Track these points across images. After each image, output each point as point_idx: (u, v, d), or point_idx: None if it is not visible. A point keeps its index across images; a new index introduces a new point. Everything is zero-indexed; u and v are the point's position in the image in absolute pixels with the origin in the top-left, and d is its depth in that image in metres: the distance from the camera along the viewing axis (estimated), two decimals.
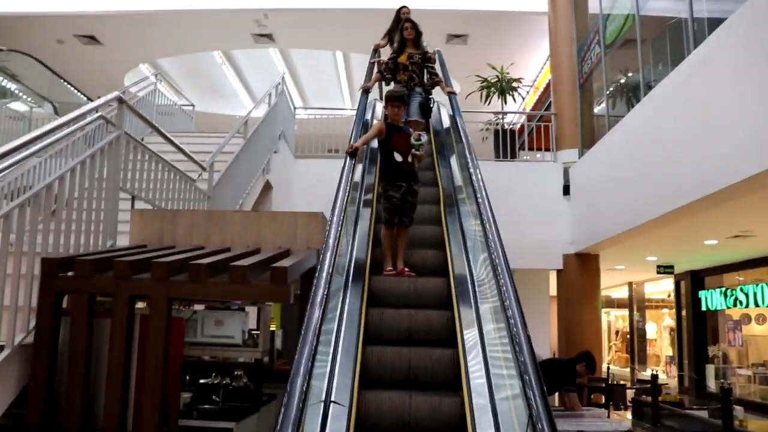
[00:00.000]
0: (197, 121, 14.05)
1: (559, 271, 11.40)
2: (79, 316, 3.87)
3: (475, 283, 4.64)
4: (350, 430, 3.33)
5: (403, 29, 7.45)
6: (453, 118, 7.33)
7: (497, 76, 12.72)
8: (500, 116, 12.44)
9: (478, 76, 12.72)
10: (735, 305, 11.71)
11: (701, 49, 6.72)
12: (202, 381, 5.97)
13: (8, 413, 3.64)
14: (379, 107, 8.60)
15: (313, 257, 4.77)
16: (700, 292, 13.06)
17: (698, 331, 13.10)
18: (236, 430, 5.17)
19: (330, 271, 3.80)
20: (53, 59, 12.61)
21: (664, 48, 8.97)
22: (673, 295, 14.60)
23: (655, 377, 7.63)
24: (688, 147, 6.94)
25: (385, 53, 8.32)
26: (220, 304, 5.62)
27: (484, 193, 5.03)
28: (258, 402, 5.98)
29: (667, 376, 14.42)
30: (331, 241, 4.05)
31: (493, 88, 12.69)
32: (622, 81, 10.82)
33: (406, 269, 5.25)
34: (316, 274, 3.73)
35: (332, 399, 3.39)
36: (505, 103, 12.73)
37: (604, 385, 9.22)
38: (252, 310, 6.42)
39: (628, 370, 16.33)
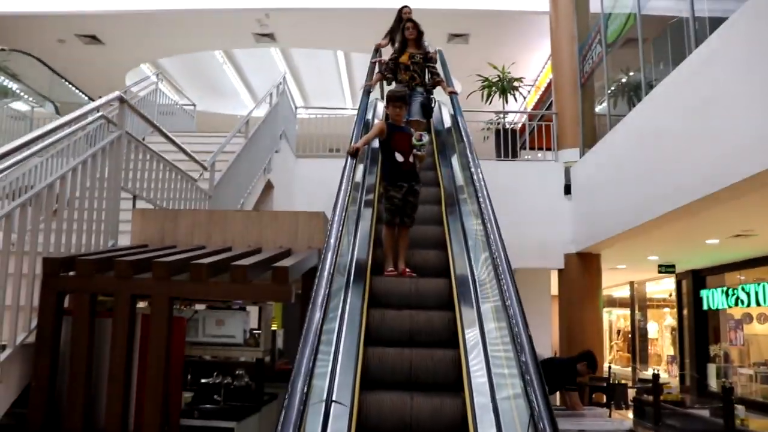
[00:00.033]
0: (198, 120, 14.05)
1: (560, 271, 11.41)
2: (80, 316, 3.87)
3: (477, 284, 4.62)
4: (351, 431, 3.33)
5: (404, 29, 7.45)
6: (454, 117, 7.33)
7: (498, 76, 12.71)
8: (501, 116, 12.44)
9: (479, 75, 12.72)
10: (736, 304, 11.71)
11: (702, 49, 6.72)
12: (203, 380, 5.97)
13: (10, 413, 3.65)
14: (381, 107, 8.59)
15: (315, 257, 4.77)
16: (701, 292, 13.05)
17: (699, 331, 13.10)
18: (237, 430, 5.18)
19: (331, 272, 3.79)
20: (54, 59, 12.62)
21: (665, 47, 8.96)
22: (674, 294, 14.59)
23: (656, 376, 7.63)
24: (690, 146, 6.94)
25: (387, 53, 8.32)
26: (222, 304, 5.62)
27: (485, 193, 5.02)
28: (259, 401, 5.98)
29: (669, 376, 14.42)
30: (332, 241, 4.04)
31: (494, 88, 12.69)
32: (624, 80, 10.81)
33: (408, 270, 5.23)
34: (317, 275, 3.72)
35: (333, 399, 3.39)
36: (506, 102, 12.73)
37: (605, 384, 9.23)
38: (253, 310, 6.42)
39: (629, 369, 16.34)
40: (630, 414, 7.79)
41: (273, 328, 6.86)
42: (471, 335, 4.15)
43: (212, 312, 5.47)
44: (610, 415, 7.22)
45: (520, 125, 14.11)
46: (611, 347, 18.43)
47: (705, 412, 7.29)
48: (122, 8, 13.02)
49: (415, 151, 5.40)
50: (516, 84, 12.82)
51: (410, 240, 5.45)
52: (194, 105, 14.35)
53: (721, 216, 7.72)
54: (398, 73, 7.38)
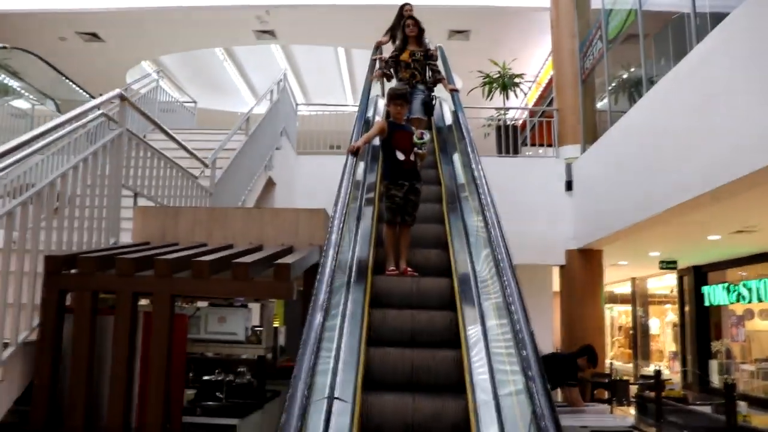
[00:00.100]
0: (199, 117, 14.05)
1: (561, 267, 11.41)
2: (82, 314, 3.87)
3: (479, 285, 4.58)
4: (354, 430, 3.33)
5: (405, 26, 7.44)
6: (455, 114, 7.32)
7: (499, 72, 12.70)
8: (502, 112, 12.42)
9: (480, 71, 12.70)
10: (738, 301, 11.70)
11: (704, 44, 6.70)
12: (205, 378, 5.99)
13: (13, 410, 3.66)
14: (381, 104, 8.58)
15: (316, 254, 4.77)
16: (703, 288, 13.04)
17: (701, 327, 13.09)
18: (240, 427, 5.19)
19: (331, 274, 3.77)
20: (55, 56, 12.62)
21: (666, 43, 8.94)
22: (676, 290, 14.58)
23: (658, 373, 7.62)
24: (691, 142, 6.93)
25: (388, 50, 8.32)
26: (223, 301, 5.64)
27: (486, 189, 5.01)
28: (261, 398, 5.99)
29: (671, 372, 14.41)
30: (331, 250, 4.01)
31: (495, 84, 12.67)
32: (625, 76, 10.79)
33: (409, 269, 5.20)
34: (318, 276, 3.71)
35: (336, 396, 3.39)
36: (507, 99, 12.71)
37: (607, 380, 9.22)
38: (255, 307, 6.44)
39: (631, 365, 16.34)
40: (632, 410, 7.77)
41: (275, 326, 6.88)
42: (473, 333, 4.14)
43: (214, 309, 5.49)
44: (612, 412, 7.21)
45: (521, 122, 14.10)
46: (613, 343, 18.43)
47: (707, 409, 7.28)
48: (123, 6, 13.03)
49: (416, 149, 5.38)
50: (517, 80, 12.79)
51: (412, 239, 5.42)
52: (195, 102, 14.35)
53: (722, 212, 7.71)
54: (399, 71, 7.36)
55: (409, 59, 7.29)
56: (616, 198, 9.30)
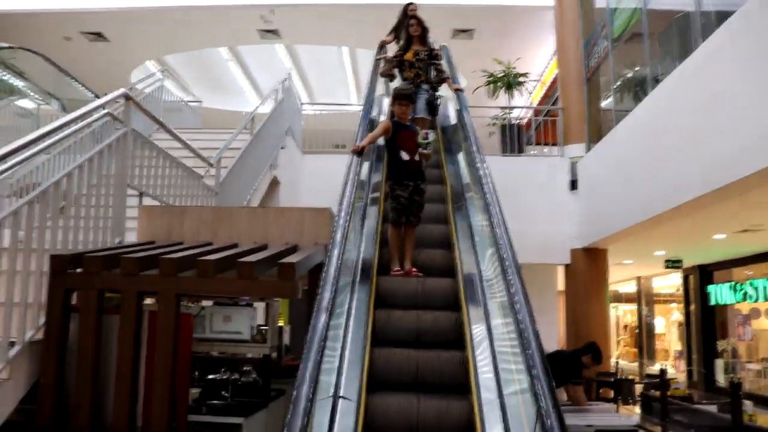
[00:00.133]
0: (204, 117, 14.08)
1: (566, 266, 11.40)
2: (88, 313, 3.89)
3: (484, 286, 4.57)
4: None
5: (408, 26, 7.43)
6: (460, 113, 7.31)
7: (503, 71, 12.68)
8: (507, 111, 12.40)
9: (485, 71, 12.69)
10: (744, 300, 11.66)
11: (709, 43, 6.68)
12: (210, 377, 5.99)
13: (18, 409, 3.67)
14: (386, 103, 8.58)
15: (321, 253, 4.77)
16: (708, 287, 13.00)
17: (707, 326, 13.05)
18: (245, 425, 5.20)
19: (336, 273, 3.77)
20: (60, 56, 12.62)
21: (671, 41, 8.92)
22: (681, 289, 14.55)
23: (663, 372, 7.60)
24: (696, 140, 6.91)
25: (392, 49, 8.31)
26: (228, 300, 5.64)
27: (491, 188, 4.98)
28: (266, 397, 6.00)
29: (676, 371, 14.38)
30: (336, 249, 4.01)
31: (499, 83, 12.66)
32: (629, 75, 10.77)
33: (414, 269, 5.19)
34: (322, 278, 3.71)
35: (341, 395, 3.39)
36: (512, 97, 12.69)
37: (612, 379, 9.21)
38: (260, 306, 6.44)
39: (636, 364, 16.30)
40: (637, 409, 7.76)
41: (279, 324, 6.88)
42: (478, 333, 4.13)
43: (219, 308, 5.50)
44: (617, 411, 7.20)
45: (525, 120, 14.08)
46: (618, 343, 18.40)
47: (713, 408, 7.25)
48: (128, 5, 13.06)
49: (420, 150, 5.36)
50: (521, 79, 12.78)
51: (417, 239, 5.41)
52: (200, 102, 14.37)
53: (728, 211, 7.69)
54: (403, 71, 7.36)
55: (413, 59, 7.28)
56: (620, 197, 9.28)
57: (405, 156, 5.33)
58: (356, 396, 3.54)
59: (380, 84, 8.62)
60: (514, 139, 11.93)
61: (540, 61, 15.08)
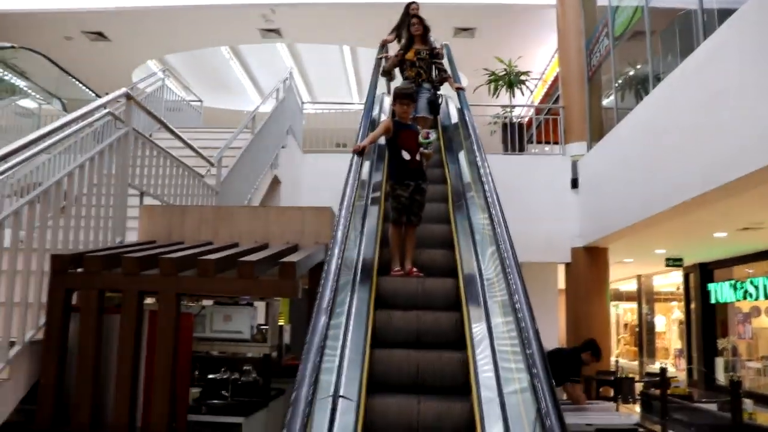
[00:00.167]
0: (205, 116, 14.09)
1: (567, 265, 11.39)
2: (88, 312, 3.89)
3: (485, 286, 4.56)
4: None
5: (410, 25, 7.43)
6: (461, 112, 7.31)
7: (505, 70, 12.67)
8: (508, 110, 12.40)
9: (486, 69, 12.68)
10: (744, 298, 11.65)
11: (711, 41, 6.68)
12: (211, 376, 6.00)
13: (19, 409, 3.67)
14: (387, 102, 8.57)
15: (321, 252, 4.77)
16: (709, 285, 12.99)
17: (707, 324, 13.05)
18: (245, 425, 5.20)
19: (337, 272, 3.77)
20: (62, 56, 12.65)
21: (673, 40, 8.91)
22: (682, 287, 14.54)
23: (663, 370, 7.59)
24: (698, 139, 6.90)
25: (393, 48, 8.31)
26: (229, 300, 5.64)
27: (492, 187, 4.98)
28: (267, 397, 6.00)
29: (676, 369, 14.38)
30: (336, 248, 4.01)
31: (501, 82, 12.65)
32: (631, 73, 10.75)
33: (415, 269, 5.17)
34: (322, 277, 3.70)
35: (340, 401, 3.39)
36: (513, 96, 12.69)
37: (612, 378, 9.20)
38: (260, 306, 6.44)
39: (636, 363, 16.30)
40: (637, 408, 7.76)
41: (280, 324, 6.88)
42: (478, 332, 4.13)
43: (219, 308, 5.50)
44: (617, 409, 7.20)
45: (527, 119, 14.07)
46: (619, 341, 18.40)
47: (713, 406, 7.25)
48: (128, 5, 13.05)
49: (422, 149, 5.35)
50: (523, 78, 12.77)
51: (417, 238, 5.39)
52: (201, 101, 14.37)
53: (729, 209, 7.68)
54: (405, 70, 7.35)
55: (414, 58, 7.28)
56: (622, 195, 9.28)
57: (406, 155, 5.31)
58: (356, 397, 3.54)
59: (381, 82, 8.61)
60: (515, 137, 11.92)
61: (541, 60, 15.07)
